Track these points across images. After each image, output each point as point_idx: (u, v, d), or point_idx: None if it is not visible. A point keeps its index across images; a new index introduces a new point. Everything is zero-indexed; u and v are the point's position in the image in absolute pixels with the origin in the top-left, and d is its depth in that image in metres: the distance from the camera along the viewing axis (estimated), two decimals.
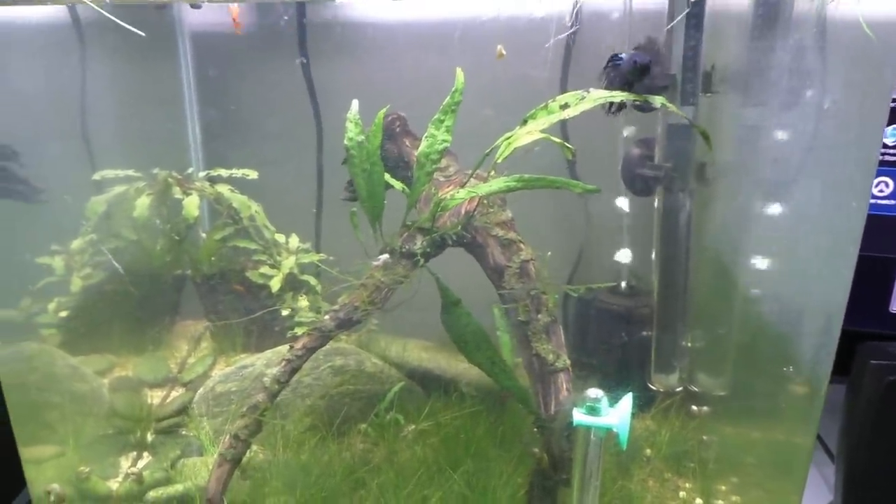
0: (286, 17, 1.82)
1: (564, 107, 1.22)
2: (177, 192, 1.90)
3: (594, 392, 1.24)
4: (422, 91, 1.74)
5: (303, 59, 1.87)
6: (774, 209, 1.66)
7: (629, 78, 1.24)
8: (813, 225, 1.48)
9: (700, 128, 1.24)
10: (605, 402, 1.24)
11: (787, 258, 1.61)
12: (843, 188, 1.27)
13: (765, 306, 1.73)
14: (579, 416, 1.24)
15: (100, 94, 1.97)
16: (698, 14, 1.60)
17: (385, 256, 1.48)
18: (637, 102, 1.32)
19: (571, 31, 1.30)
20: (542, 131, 1.33)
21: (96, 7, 1.26)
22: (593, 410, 1.24)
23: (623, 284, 1.96)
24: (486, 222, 1.55)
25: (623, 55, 1.26)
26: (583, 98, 1.20)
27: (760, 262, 1.71)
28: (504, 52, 1.34)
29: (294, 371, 1.46)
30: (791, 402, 1.52)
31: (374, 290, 1.51)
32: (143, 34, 1.26)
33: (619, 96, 1.20)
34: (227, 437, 1.42)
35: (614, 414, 1.24)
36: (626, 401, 1.24)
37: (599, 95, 1.20)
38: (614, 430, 1.23)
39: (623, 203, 1.90)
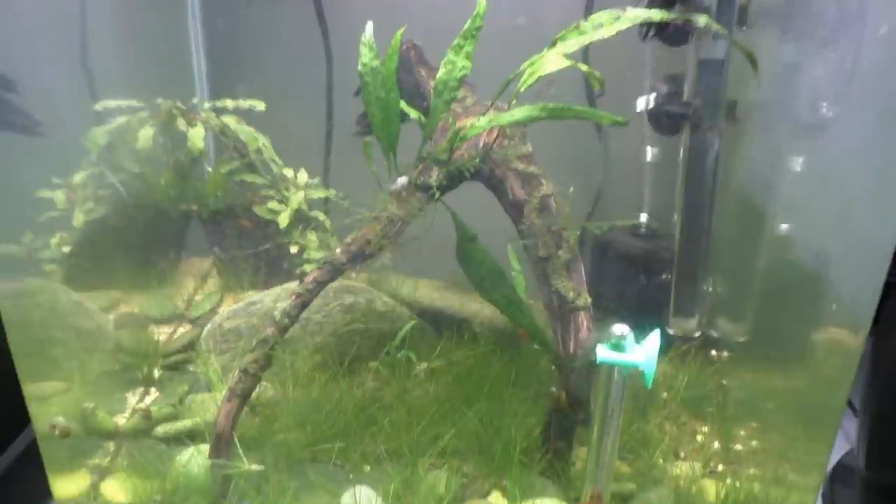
0: None
1: (598, 27, 1.14)
2: (181, 124, 1.82)
3: (620, 328, 1.19)
4: (440, 20, 1.67)
5: None
6: (811, 153, 1.59)
7: None
8: (855, 167, 1.41)
9: (749, 52, 1.15)
10: (630, 338, 1.20)
11: (823, 205, 1.55)
12: (889, 125, 1.20)
13: (795, 254, 1.68)
14: (603, 353, 1.19)
15: (100, 19, 1.88)
16: None
17: (403, 179, 1.42)
18: (667, 34, 1.24)
19: None
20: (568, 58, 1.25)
21: None
22: (618, 347, 1.19)
23: (643, 227, 1.91)
24: (506, 155, 1.48)
25: None
26: (618, 18, 1.12)
27: (792, 208, 1.65)
28: None
29: (304, 305, 1.41)
30: (824, 351, 1.47)
31: (388, 224, 1.45)
32: None
33: (658, 15, 1.11)
34: (237, 371, 1.38)
35: (640, 351, 1.19)
36: (654, 338, 1.19)
37: (637, 14, 1.12)
38: (640, 368, 1.18)
39: (648, 143, 1.83)
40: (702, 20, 1.16)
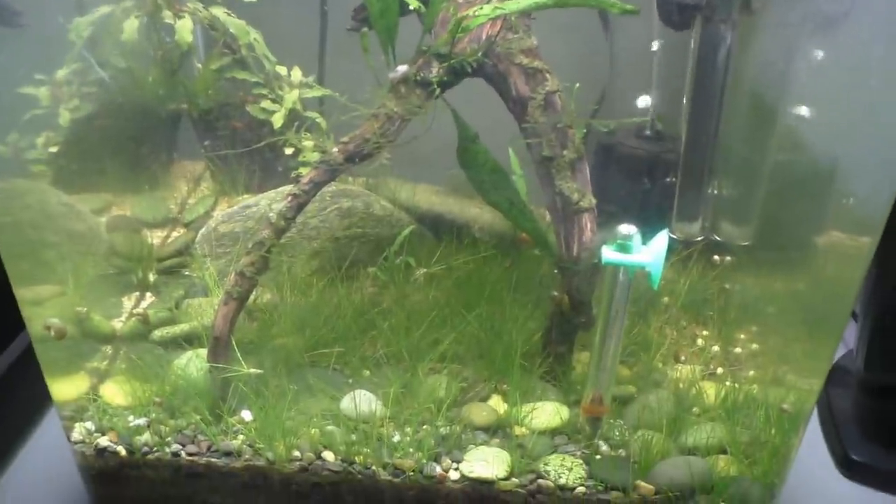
0: None
1: None
2: (167, 16, 1.73)
3: (626, 228, 1.16)
4: None
5: None
6: (828, 49, 1.52)
7: None
8: (874, 62, 1.35)
9: None
10: (637, 239, 1.16)
11: (836, 105, 1.49)
12: None
13: (805, 155, 1.63)
14: (609, 254, 1.16)
15: None
16: None
17: (403, 67, 1.35)
18: None
19: None
20: None
21: None
22: (624, 248, 1.16)
23: (648, 128, 1.85)
24: (510, 48, 1.40)
25: None
26: None
27: (805, 107, 1.59)
28: None
29: (301, 206, 1.37)
30: (831, 255, 1.45)
31: (386, 121, 1.39)
32: None
33: None
34: (233, 274, 1.35)
35: (647, 252, 1.16)
36: (662, 238, 1.16)
37: None
38: (647, 269, 1.16)
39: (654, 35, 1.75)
40: None
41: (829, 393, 1.73)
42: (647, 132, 1.84)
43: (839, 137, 1.49)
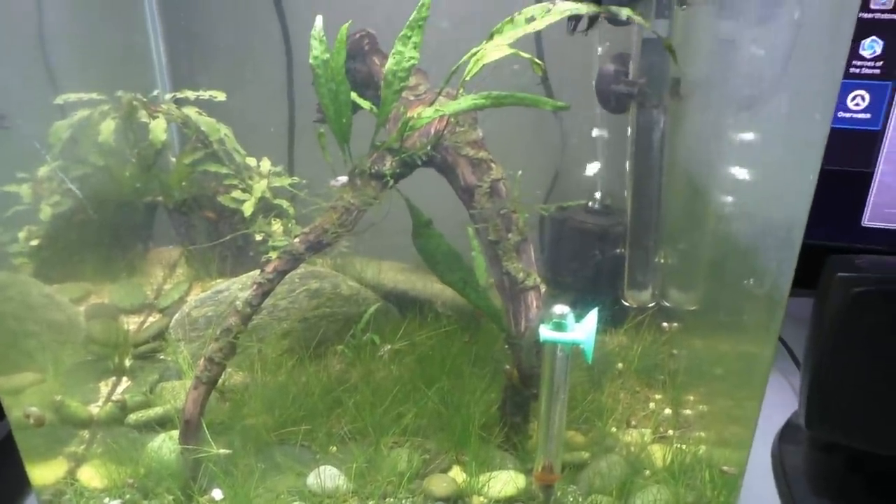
0: None
1: (531, 20, 1.19)
2: (143, 116, 1.85)
3: (560, 308, 1.25)
4: (397, 6, 1.69)
5: None
6: (743, 125, 1.65)
7: None
8: (779, 140, 1.48)
9: (667, 41, 1.21)
10: (571, 318, 1.26)
11: (754, 173, 1.61)
12: (809, 102, 1.26)
13: (733, 222, 1.74)
14: (546, 333, 1.25)
15: (58, 12, 1.89)
16: None
17: (343, 178, 1.47)
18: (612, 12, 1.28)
19: None
20: (512, 46, 1.30)
21: None
22: (559, 326, 1.25)
23: (597, 203, 1.97)
24: (456, 142, 1.53)
25: None
26: (549, 10, 1.17)
27: (730, 178, 1.71)
28: None
29: (265, 294, 1.47)
30: (754, 315, 1.55)
31: (344, 213, 1.50)
32: None
33: (584, 8, 1.16)
34: (202, 360, 1.43)
35: (580, 329, 1.26)
36: (592, 316, 1.26)
37: (566, 7, 1.16)
38: (580, 345, 1.25)
39: (598, 121, 1.89)
40: (624, 13, 1.20)
41: (781, 449, 1.80)
42: (596, 207, 1.96)
43: (755, 208, 1.60)
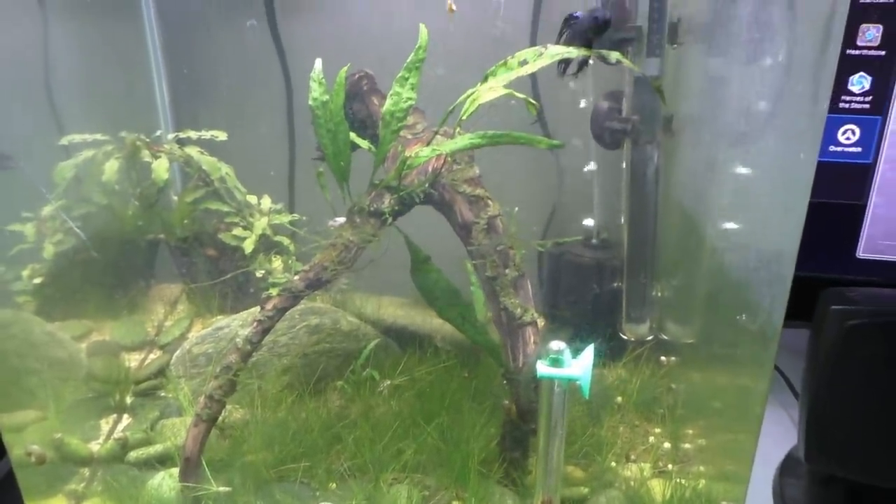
0: None
1: (523, 63, 1.22)
2: (146, 156, 1.89)
3: (556, 344, 1.26)
4: (394, 47, 1.74)
5: (253, 22, 1.85)
6: (734, 160, 1.68)
7: (589, 35, 1.23)
8: (768, 175, 1.51)
9: (656, 83, 1.24)
10: (567, 353, 1.27)
11: (747, 208, 1.63)
12: (796, 138, 1.29)
13: (727, 255, 1.76)
14: (543, 369, 1.26)
15: (64, 54, 1.94)
16: None
17: (341, 219, 1.49)
18: (602, 55, 1.31)
19: None
20: (507, 87, 1.33)
21: None
22: (556, 362, 1.26)
23: (594, 237, 1.99)
24: (454, 179, 1.55)
25: (579, 13, 1.25)
26: (541, 54, 1.20)
27: (724, 212, 1.74)
28: (454, 7, 1.33)
29: (266, 331, 1.48)
30: (748, 348, 1.56)
31: (343, 250, 1.52)
32: None
33: (574, 52, 1.19)
34: (202, 397, 1.45)
35: (577, 365, 1.27)
36: (588, 352, 1.27)
37: (557, 51, 1.19)
38: (577, 381, 1.26)
39: (593, 157, 1.92)
40: (613, 56, 1.23)
41: (781, 483, 1.80)
42: (594, 241, 1.98)
43: (748, 240, 1.62)
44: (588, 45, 1.22)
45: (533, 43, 1.84)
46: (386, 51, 1.90)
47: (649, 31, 1.65)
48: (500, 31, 1.68)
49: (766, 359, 1.31)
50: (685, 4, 1.63)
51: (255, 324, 1.47)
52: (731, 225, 1.65)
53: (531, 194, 2.11)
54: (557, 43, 1.32)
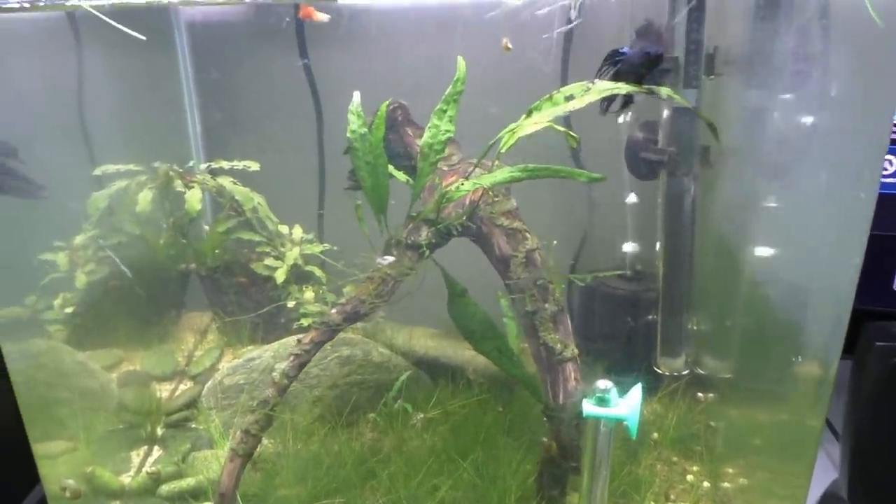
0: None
1: (569, 98, 1.21)
2: (178, 186, 1.89)
3: (604, 383, 1.24)
4: (426, 76, 1.74)
5: (306, 61, 1.86)
6: (780, 193, 1.66)
7: (641, 70, 1.21)
8: (821, 209, 1.48)
9: (707, 119, 1.22)
10: (614, 392, 1.25)
11: (793, 242, 1.61)
12: (851, 174, 1.27)
13: (771, 290, 1.74)
14: (589, 408, 1.24)
15: (98, 87, 1.95)
16: None
17: (390, 258, 1.48)
18: (653, 91, 1.29)
19: (575, 23, 1.28)
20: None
21: (96, 12, 1.24)
22: (603, 401, 1.24)
23: (628, 269, 1.96)
24: (491, 212, 1.54)
25: (626, 48, 1.24)
26: (588, 89, 1.19)
27: (766, 246, 1.71)
28: (510, 45, 1.32)
29: (302, 365, 1.47)
30: (799, 385, 1.53)
31: (381, 283, 1.51)
32: (143, 38, 1.24)
33: (624, 88, 1.18)
34: (238, 432, 1.43)
35: (624, 405, 1.25)
36: (636, 391, 1.25)
37: (605, 87, 1.18)
38: (624, 420, 1.24)
39: (628, 188, 1.90)
40: (664, 92, 1.22)
41: None
42: (628, 272, 1.96)
43: (795, 274, 1.60)
44: (638, 80, 1.21)
45: (564, 76, 1.85)
46: (420, 79, 1.91)
47: (686, 62, 1.64)
48: (534, 62, 1.68)
49: (820, 396, 1.28)
50: (723, 34, 1.62)
51: (291, 357, 1.46)
52: (774, 259, 1.63)
53: (561, 222, 2.09)
54: (598, 79, 1.31)
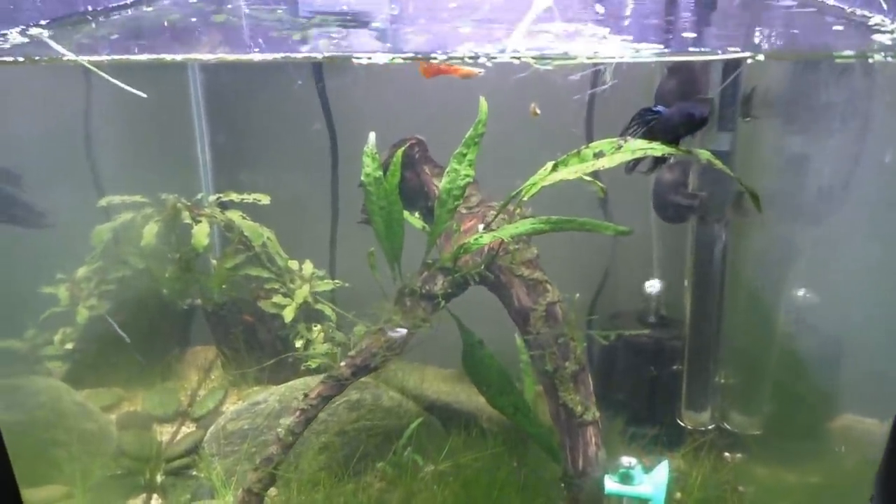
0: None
1: (599, 155, 1.13)
2: (186, 219, 1.82)
3: (627, 460, 1.16)
4: (442, 111, 1.67)
5: (300, 82, 1.79)
6: (820, 240, 1.57)
7: (680, 132, 1.12)
8: (864, 257, 1.40)
9: (749, 188, 1.12)
10: (639, 469, 1.16)
11: (833, 295, 1.53)
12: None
13: (806, 342, 1.65)
14: (612, 485, 1.16)
15: (105, 116, 1.89)
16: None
17: (403, 331, 1.41)
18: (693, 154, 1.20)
19: (609, 84, 1.19)
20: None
21: (94, 69, 1.18)
22: (627, 478, 1.16)
23: (651, 314, 1.87)
24: (511, 262, 1.46)
25: (660, 108, 1.14)
26: (619, 147, 1.11)
27: (803, 298, 1.63)
28: (538, 110, 1.24)
29: (309, 421, 1.40)
30: (840, 446, 1.44)
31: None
32: (144, 95, 1.17)
33: (660, 150, 1.09)
34: (241, 491, 1.36)
35: (649, 482, 1.16)
36: (663, 469, 1.16)
37: (639, 146, 1.10)
38: (649, 500, 1.15)
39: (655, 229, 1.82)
40: (703, 156, 1.13)
41: None
42: (651, 318, 1.87)
43: (841, 325, 1.51)
44: (675, 141, 1.12)
45: (589, 130, 1.77)
46: (435, 112, 1.83)
47: (721, 104, 1.55)
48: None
49: (866, 460, 1.19)
50: (762, 75, 1.53)
51: (297, 413, 1.38)
52: (814, 310, 1.54)
53: (580, 257, 2.00)
54: (624, 135, 1.22)
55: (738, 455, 1.70)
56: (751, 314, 1.73)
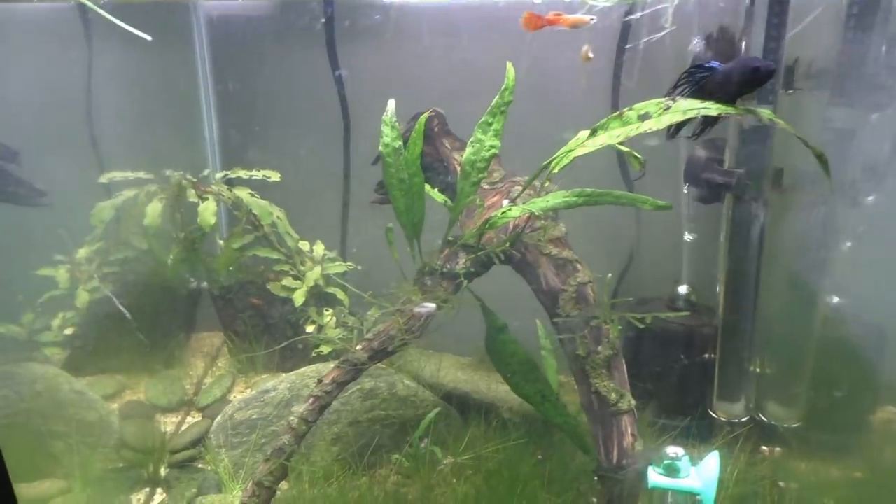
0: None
1: (644, 117, 1.03)
2: (191, 196, 1.72)
3: (673, 450, 1.06)
4: (464, 77, 1.57)
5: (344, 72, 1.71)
6: (865, 221, 1.48)
7: (741, 89, 1.00)
8: None
9: (816, 149, 1.02)
10: (686, 461, 1.07)
11: (882, 277, 1.43)
12: None
13: (852, 329, 1.56)
14: (656, 478, 1.06)
15: (107, 86, 1.80)
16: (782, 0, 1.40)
17: (432, 306, 1.31)
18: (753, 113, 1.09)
19: (668, 30, 1.09)
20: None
21: (101, 11, 1.08)
22: (672, 470, 1.06)
23: (681, 300, 1.77)
24: (539, 239, 1.36)
25: (715, 63, 1.03)
26: (667, 108, 1.01)
27: (849, 279, 1.53)
28: (590, 54, 1.14)
29: (323, 408, 1.31)
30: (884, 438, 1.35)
31: (412, 317, 1.34)
32: (148, 38, 1.08)
33: (715, 108, 0.99)
34: (250, 484, 1.27)
35: (697, 475, 1.06)
36: (713, 461, 1.07)
37: (690, 106, 1.00)
38: (698, 494, 1.05)
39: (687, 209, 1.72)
40: (765, 115, 1.03)
41: None
42: (681, 304, 1.77)
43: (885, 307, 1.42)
44: (731, 99, 1.02)
45: (616, 88, 1.68)
46: (455, 82, 1.74)
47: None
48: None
49: None
50: (806, 44, 1.43)
51: (311, 400, 1.29)
52: (857, 296, 1.45)
53: (604, 236, 1.90)
54: (669, 96, 1.11)
55: (776, 448, 1.61)
56: (789, 299, 1.64)
